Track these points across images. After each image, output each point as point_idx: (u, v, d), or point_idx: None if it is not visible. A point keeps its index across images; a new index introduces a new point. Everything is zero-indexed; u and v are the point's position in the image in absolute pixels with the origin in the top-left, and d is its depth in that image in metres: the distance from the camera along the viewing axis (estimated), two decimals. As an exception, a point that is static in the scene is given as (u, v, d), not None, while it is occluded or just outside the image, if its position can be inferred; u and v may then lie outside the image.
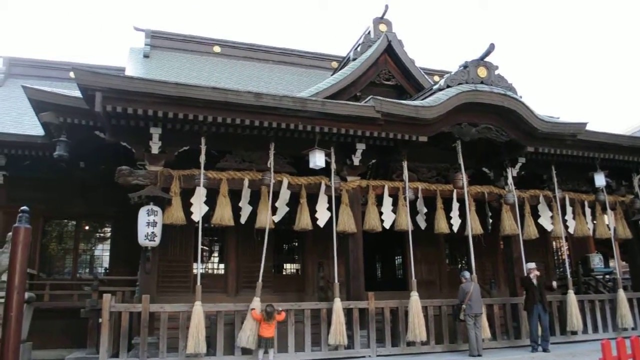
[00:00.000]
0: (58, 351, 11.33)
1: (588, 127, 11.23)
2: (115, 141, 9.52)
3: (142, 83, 8.40)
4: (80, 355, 10.25)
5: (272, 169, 9.84)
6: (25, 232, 4.16)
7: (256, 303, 8.99)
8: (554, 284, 10.43)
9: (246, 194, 9.94)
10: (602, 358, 5.08)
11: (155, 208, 9.04)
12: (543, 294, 10.12)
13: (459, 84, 10.46)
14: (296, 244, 13.50)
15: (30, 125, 12.49)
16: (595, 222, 12.75)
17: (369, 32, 15.23)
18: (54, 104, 10.10)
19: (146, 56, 17.81)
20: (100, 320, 8.88)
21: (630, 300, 12.06)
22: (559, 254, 16.69)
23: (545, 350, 9.89)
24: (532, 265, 10.55)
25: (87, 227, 14.40)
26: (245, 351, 9.02)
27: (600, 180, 12.18)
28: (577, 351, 10.05)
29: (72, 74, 8.93)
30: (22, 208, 4.30)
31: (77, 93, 8.90)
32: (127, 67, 16.73)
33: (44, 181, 12.91)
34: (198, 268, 9.53)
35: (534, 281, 10.23)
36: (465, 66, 10.65)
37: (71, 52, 61.29)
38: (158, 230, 9.03)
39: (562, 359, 9.46)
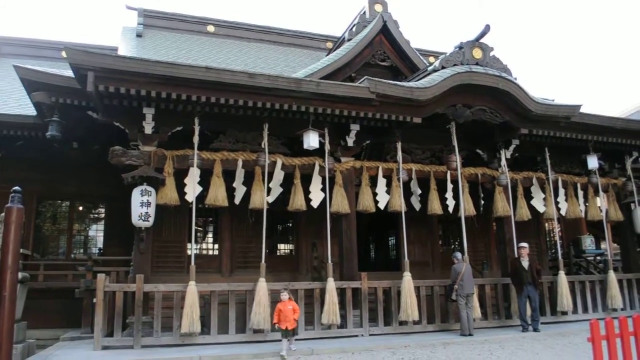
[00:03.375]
0: (53, 331, 11.38)
1: (582, 110, 11.26)
2: (108, 121, 9.47)
3: (135, 62, 8.34)
4: (75, 334, 10.34)
5: (266, 150, 9.83)
6: (18, 212, 4.16)
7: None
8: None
9: (240, 174, 9.94)
10: (590, 337, 5.15)
11: (149, 188, 9.03)
12: (534, 274, 10.22)
13: (454, 65, 10.44)
14: (290, 224, 13.54)
15: (22, 105, 12.39)
16: (587, 204, 12.84)
17: (364, 12, 15.11)
18: (46, 84, 10.03)
19: (139, 35, 17.61)
20: (94, 300, 8.93)
21: (620, 282, 12.22)
22: (551, 235, 16.84)
23: (535, 329, 10.05)
24: (524, 244, 10.64)
25: (80, 208, 14.39)
26: (239, 330, 9.11)
27: (593, 162, 12.24)
28: (567, 331, 10.22)
29: (64, 54, 8.86)
30: (14, 188, 4.30)
31: (70, 73, 8.81)
32: (120, 46, 16.56)
33: (37, 161, 12.87)
34: (192, 248, 9.58)
35: (524, 262, 10.33)
36: (460, 47, 10.62)
37: (63, 32, 60.62)
38: (152, 210, 9.04)
39: (552, 338, 9.59)
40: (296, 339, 9.04)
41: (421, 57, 14.77)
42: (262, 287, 9.10)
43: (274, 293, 9.16)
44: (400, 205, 10.69)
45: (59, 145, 11.65)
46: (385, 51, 14.41)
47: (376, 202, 10.75)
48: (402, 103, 9.86)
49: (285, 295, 8.25)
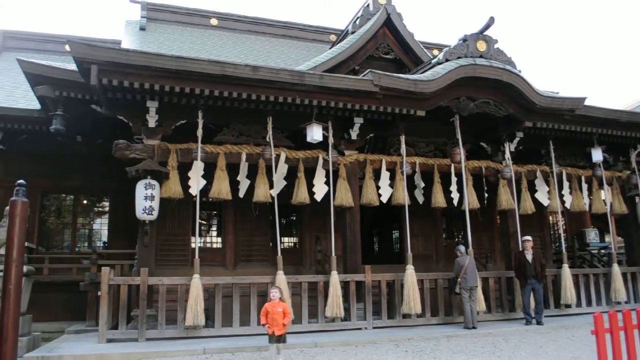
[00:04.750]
0: (58, 323, 11.46)
1: (587, 103, 11.20)
2: (111, 115, 9.47)
3: (138, 56, 8.33)
4: (80, 327, 10.40)
5: (270, 143, 9.82)
6: (23, 205, 4.16)
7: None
8: None
9: (244, 167, 9.95)
10: (594, 330, 5.15)
11: (153, 182, 9.05)
12: (537, 267, 10.20)
13: (458, 57, 10.39)
14: (294, 218, 13.55)
15: (26, 99, 12.41)
16: (591, 197, 12.80)
17: (368, 5, 15.06)
18: (50, 77, 10.03)
19: (142, 29, 17.59)
20: (99, 293, 8.97)
21: (624, 275, 12.20)
22: (555, 228, 16.81)
23: (539, 322, 10.06)
24: (528, 238, 10.62)
25: (85, 201, 14.45)
26: (243, 323, 9.14)
27: (597, 155, 12.19)
28: (571, 324, 10.22)
29: (67, 47, 8.89)
30: (19, 181, 4.30)
31: (73, 66, 8.82)
32: (123, 40, 16.54)
33: (41, 155, 12.91)
34: (196, 241, 9.62)
35: (528, 256, 10.31)
36: (464, 40, 10.57)
37: (67, 25, 60.55)
38: (156, 204, 9.06)
39: (556, 331, 9.60)
40: (300, 332, 9.06)
41: (425, 50, 14.70)
42: (282, 280, 9.13)
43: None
44: (403, 198, 10.69)
45: (63, 139, 11.66)
46: (389, 44, 14.35)
47: (379, 195, 10.74)
48: (405, 96, 9.83)
49: (275, 294, 6.99)
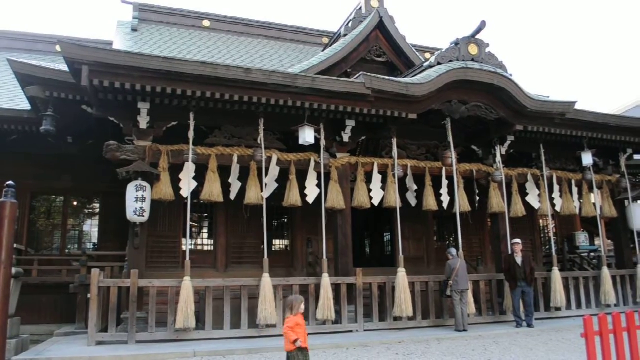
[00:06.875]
0: (47, 326, 11.38)
1: (577, 107, 11.28)
2: (102, 116, 9.42)
3: (130, 57, 8.29)
4: (69, 330, 10.33)
5: (262, 145, 9.81)
6: (12, 206, 4.12)
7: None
8: None
9: (235, 170, 9.93)
10: (584, 333, 5.17)
11: (144, 183, 9.00)
12: (527, 270, 10.24)
13: (450, 61, 10.43)
14: (285, 220, 13.53)
15: (16, 99, 12.32)
16: (581, 200, 12.89)
17: (361, 8, 15.10)
18: (40, 78, 9.98)
19: (134, 30, 17.51)
20: (89, 295, 8.91)
21: (614, 278, 12.29)
22: (546, 231, 16.88)
23: (529, 325, 10.10)
24: (517, 240, 10.67)
25: (75, 203, 14.34)
26: (234, 325, 9.11)
27: (587, 159, 12.28)
28: (561, 326, 10.27)
29: (58, 48, 8.83)
30: (7, 183, 4.27)
31: (64, 67, 8.78)
32: (115, 40, 16.47)
33: (31, 156, 12.82)
34: (187, 244, 9.56)
35: (518, 259, 10.35)
36: (456, 43, 10.61)
37: (58, 26, 60.27)
38: (147, 205, 9.02)
39: (546, 334, 9.64)
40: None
41: (417, 53, 14.77)
42: (267, 283, 9.11)
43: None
44: (395, 201, 10.71)
45: (53, 139, 11.60)
46: (381, 47, 14.40)
47: (371, 198, 10.75)
48: (397, 99, 9.86)
49: (303, 307, 5.84)
